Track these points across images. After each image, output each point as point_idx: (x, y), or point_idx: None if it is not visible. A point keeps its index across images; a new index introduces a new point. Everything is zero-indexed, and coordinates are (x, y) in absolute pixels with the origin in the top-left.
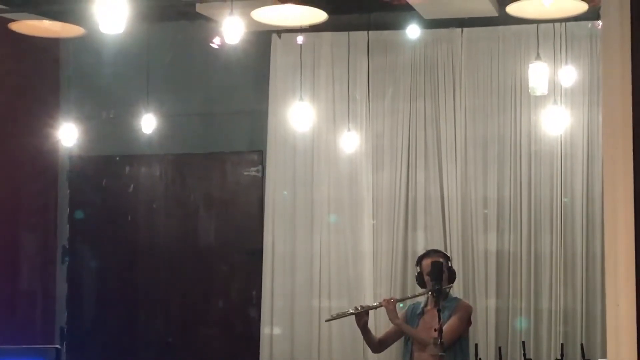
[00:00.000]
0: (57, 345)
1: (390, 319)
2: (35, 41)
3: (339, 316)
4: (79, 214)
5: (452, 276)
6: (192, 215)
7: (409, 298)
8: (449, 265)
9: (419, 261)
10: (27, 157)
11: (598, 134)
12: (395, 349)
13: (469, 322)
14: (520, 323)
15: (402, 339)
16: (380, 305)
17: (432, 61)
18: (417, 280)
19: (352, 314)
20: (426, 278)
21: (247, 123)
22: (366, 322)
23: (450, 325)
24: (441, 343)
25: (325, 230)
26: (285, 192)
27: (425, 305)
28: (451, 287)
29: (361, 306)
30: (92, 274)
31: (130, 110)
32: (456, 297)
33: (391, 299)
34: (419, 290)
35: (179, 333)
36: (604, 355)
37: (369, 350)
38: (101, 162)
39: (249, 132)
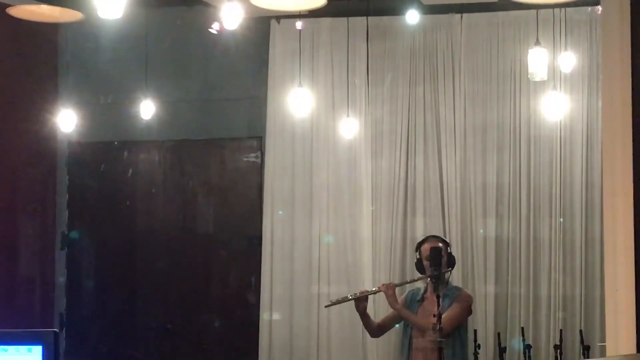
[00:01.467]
0: (55, 329)
1: (389, 304)
2: (33, 26)
3: (339, 302)
4: (74, 234)
5: (451, 262)
6: (191, 201)
7: (407, 282)
8: (449, 251)
9: (418, 247)
10: (25, 143)
11: (597, 119)
12: (394, 334)
13: (469, 312)
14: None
15: (402, 324)
16: (379, 290)
17: (432, 47)
18: (416, 267)
19: (351, 299)
20: (425, 263)
21: (246, 109)
22: (365, 308)
23: (450, 313)
24: (440, 329)
25: (324, 217)
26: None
27: (425, 292)
28: (450, 271)
29: (360, 291)
30: (91, 260)
31: (128, 96)
32: (457, 287)
33: (390, 283)
34: (418, 276)
35: (178, 319)
36: (603, 340)
37: (368, 336)
38: (100, 148)
39: (248, 118)
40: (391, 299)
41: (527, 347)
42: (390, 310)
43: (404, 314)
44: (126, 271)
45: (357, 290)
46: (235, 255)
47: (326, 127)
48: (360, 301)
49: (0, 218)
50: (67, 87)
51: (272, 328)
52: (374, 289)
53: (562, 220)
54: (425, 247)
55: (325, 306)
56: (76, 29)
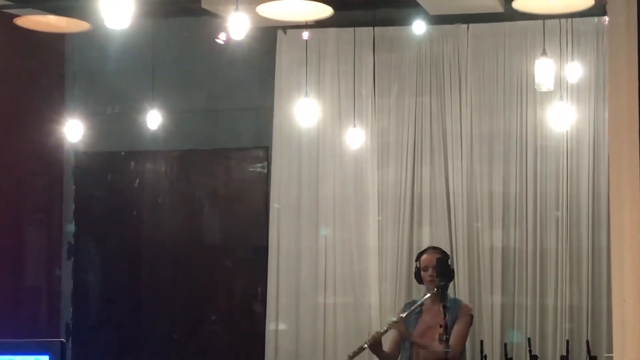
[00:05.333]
0: (61, 339)
1: (405, 338)
2: (40, 36)
3: (356, 354)
4: (70, 229)
5: (450, 274)
6: (197, 211)
7: (413, 309)
8: (448, 263)
9: (418, 257)
10: (32, 153)
11: (604, 129)
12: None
13: (472, 322)
14: (513, 336)
15: (400, 339)
16: (389, 328)
17: (438, 57)
18: (415, 276)
19: (368, 346)
20: (423, 274)
21: (252, 119)
22: (381, 346)
23: (457, 332)
24: (446, 339)
25: (330, 227)
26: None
27: (422, 304)
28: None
29: (372, 336)
30: (97, 270)
31: (135, 106)
32: (455, 298)
33: (399, 318)
34: (420, 287)
35: (184, 329)
36: (610, 351)
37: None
38: (106, 158)
39: (254, 128)
40: (405, 333)
41: (534, 358)
42: (392, 336)
43: (419, 344)
44: (132, 281)
45: (363, 300)
46: (241, 265)
47: (332, 137)
48: (375, 343)
49: (6, 228)
50: (73, 97)
51: (278, 338)
52: (384, 328)
53: (558, 213)
54: (425, 258)
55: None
56: (83, 39)
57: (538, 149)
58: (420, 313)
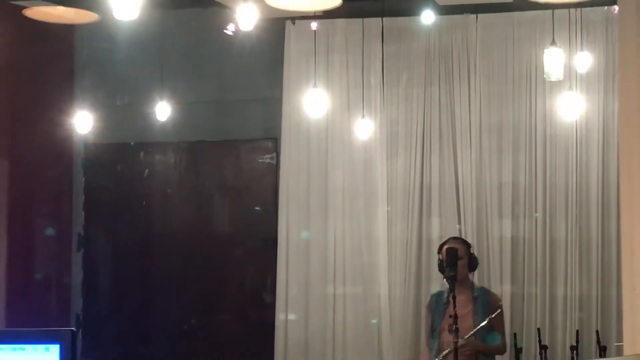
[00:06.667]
0: (72, 328)
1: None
2: (49, 27)
3: None
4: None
5: (473, 263)
6: (206, 202)
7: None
8: (471, 252)
9: (440, 248)
10: (42, 145)
11: (613, 119)
12: (410, 333)
13: None
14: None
15: (430, 328)
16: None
17: (447, 47)
18: (439, 268)
19: None
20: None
21: (261, 110)
22: None
23: (503, 333)
24: (456, 329)
25: (339, 218)
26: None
27: (449, 295)
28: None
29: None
30: (107, 261)
31: (144, 97)
32: (484, 287)
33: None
34: (442, 282)
35: (194, 320)
36: (620, 340)
37: (383, 337)
38: (116, 150)
39: (263, 119)
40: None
41: (544, 348)
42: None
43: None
44: (142, 272)
45: (372, 291)
46: (250, 256)
47: (341, 128)
48: None
49: (16, 219)
50: (83, 88)
51: (288, 328)
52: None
53: (537, 215)
54: (444, 249)
55: None
56: (92, 30)
57: (547, 138)
58: (447, 304)
